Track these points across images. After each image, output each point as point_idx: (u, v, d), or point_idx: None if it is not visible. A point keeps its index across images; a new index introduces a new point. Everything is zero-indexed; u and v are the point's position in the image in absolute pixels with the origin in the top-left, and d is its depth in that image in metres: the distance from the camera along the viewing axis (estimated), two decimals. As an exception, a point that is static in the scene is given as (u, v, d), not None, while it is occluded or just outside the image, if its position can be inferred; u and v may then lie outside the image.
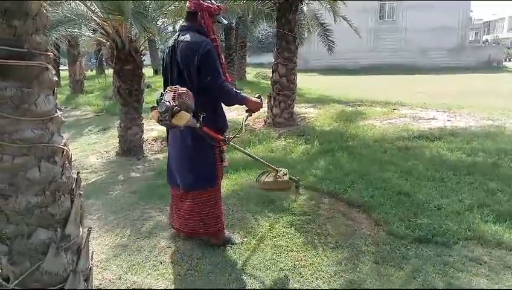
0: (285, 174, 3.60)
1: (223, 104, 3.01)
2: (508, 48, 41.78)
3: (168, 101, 2.56)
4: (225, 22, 3.22)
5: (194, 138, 2.87)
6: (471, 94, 12.34)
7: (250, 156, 3.63)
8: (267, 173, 3.68)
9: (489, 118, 7.98)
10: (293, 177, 3.85)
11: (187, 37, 2.82)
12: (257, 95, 3.20)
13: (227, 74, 3.01)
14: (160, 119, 2.61)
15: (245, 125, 3.18)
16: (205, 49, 2.72)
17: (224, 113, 3.07)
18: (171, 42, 2.96)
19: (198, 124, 2.74)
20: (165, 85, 2.97)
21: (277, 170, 3.62)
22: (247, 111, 3.15)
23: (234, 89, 2.94)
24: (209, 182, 3.00)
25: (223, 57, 3.04)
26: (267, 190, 3.82)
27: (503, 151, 5.24)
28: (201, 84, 2.76)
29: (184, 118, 2.59)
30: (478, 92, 13.02)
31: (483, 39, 48.51)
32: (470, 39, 36.33)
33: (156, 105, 2.69)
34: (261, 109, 3.20)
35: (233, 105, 3.05)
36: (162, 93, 2.73)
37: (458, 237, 3.15)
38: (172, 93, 2.61)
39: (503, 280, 2.63)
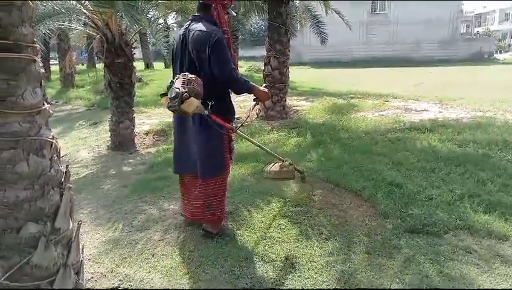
0: (291, 164, 3.83)
1: (231, 94, 3.07)
2: (499, 40, 42.08)
3: (178, 88, 2.63)
4: (234, 13, 3.26)
5: (204, 127, 2.92)
6: (463, 86, 12.42)
7: (256, 144, 3.74)
8: (273, 163, 3.93)
9: (480, 109, 8.05)
10: (299, 169, 4.13)
11: (199, 26, 2.83)
12: (264, 84, 3.28)
13: (237, 65, 3.07)
14: (170, 105, 2.69)
15: (252, 114, 3.31)
16: (216, 38, 2.73)
17: (232, 103, 3.13)
18: (181, 31, 2.98)
19: (206, 112, 2.78)
20: (174, 73, 3.03)
21: (282, 160, 3.84)
22: (254, 100, 3.24)
23: (243, 78, 2.96)
24: (219, 170, 3.05)
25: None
26: (272, 179, 3.97)
27: (494, 142, 5.29)
28: (212, 73, 2.79)
29: (193, 105, 2.66)
30: (469, 84, 13.11)
31: (475, 31, 48.76)
32: (461, 31, 36.49)
33: (165, 92, 2.80)
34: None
35: (242, 93, 3.12)
36: (172, 80, 2.82)
37: (449, 227, 3.18)
38: (182, 80, 2.68)
39: (492, 268, 2.66)
